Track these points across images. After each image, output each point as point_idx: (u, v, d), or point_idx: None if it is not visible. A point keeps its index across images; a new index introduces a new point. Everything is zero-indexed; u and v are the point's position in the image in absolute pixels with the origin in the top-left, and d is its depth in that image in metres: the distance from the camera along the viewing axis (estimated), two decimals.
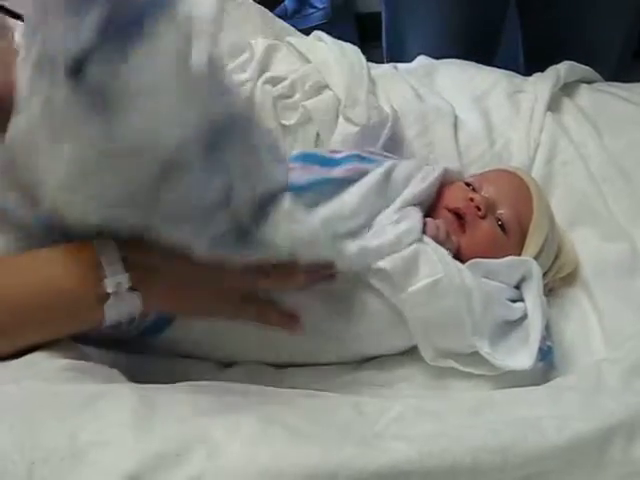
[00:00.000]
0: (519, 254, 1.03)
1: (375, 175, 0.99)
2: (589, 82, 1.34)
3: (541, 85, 1.25)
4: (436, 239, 0.97)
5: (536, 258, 1.01)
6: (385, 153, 1.09)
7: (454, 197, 1.04)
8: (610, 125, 1.23)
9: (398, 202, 0.98)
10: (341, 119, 1.13)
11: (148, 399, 0.74)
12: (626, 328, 0.99)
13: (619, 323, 1.00)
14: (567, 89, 1.29)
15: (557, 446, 0.76)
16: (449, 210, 1.02)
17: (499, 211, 1.03)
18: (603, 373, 0.90)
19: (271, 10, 2.10)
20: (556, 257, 1.07)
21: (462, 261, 0.98)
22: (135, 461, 0.67)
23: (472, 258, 0.98)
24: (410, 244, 0.94)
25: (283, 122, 1.14)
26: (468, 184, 1.06)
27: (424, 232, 0.97)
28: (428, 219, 0.99)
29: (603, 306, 1.03)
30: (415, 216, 0.97)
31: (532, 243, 1.03)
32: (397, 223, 0.96)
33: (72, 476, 0.66)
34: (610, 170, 1.16)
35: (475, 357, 0.95)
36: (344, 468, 0.70)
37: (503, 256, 1.00)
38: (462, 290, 0.93)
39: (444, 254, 0.95)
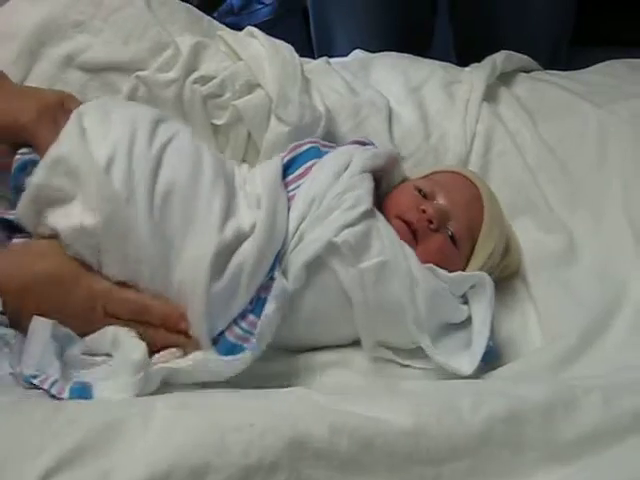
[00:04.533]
0: (466, 263, 1.02)
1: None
2: (528, 71, 1.32)
3: (477, 75, 1.24)
4: None
5: (482, 267, 1.01)
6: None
7: (405, 205, 1.02)
8: (546, 113, 1.21)
9: (348, 173, 0.98)
10: (273, 118, 1.10)
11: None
12: (562, 317, 0.99)
13: (556, 313, 1.00)
14: (505, 78, 1.28)
15: (472, 426, 0.74)
16: (401, 220, 1.00)
17: (451, 223, 1.01)
18: (533, 363, 0.91)
19: (217, 7, 2.07)
20: (502, 259, 1.06)
21: None
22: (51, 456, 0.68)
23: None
24: (361, 215, 0.94)
25: (214, 122, 1.12)
26: (419, 189, 1.03)
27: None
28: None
29: (540, 296, 1.03)
30: (363, 185, 0.97)
31: (480, 254, 1.03)
32: (344, 194, 0.96)
33: None
34: (546, 159, 1.15)
35: (414, 352, 0.94)
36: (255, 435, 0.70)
37: (451, 265, 0.99)
38: (407, 277, 0.93)
39: (393, 236, 0.96)
